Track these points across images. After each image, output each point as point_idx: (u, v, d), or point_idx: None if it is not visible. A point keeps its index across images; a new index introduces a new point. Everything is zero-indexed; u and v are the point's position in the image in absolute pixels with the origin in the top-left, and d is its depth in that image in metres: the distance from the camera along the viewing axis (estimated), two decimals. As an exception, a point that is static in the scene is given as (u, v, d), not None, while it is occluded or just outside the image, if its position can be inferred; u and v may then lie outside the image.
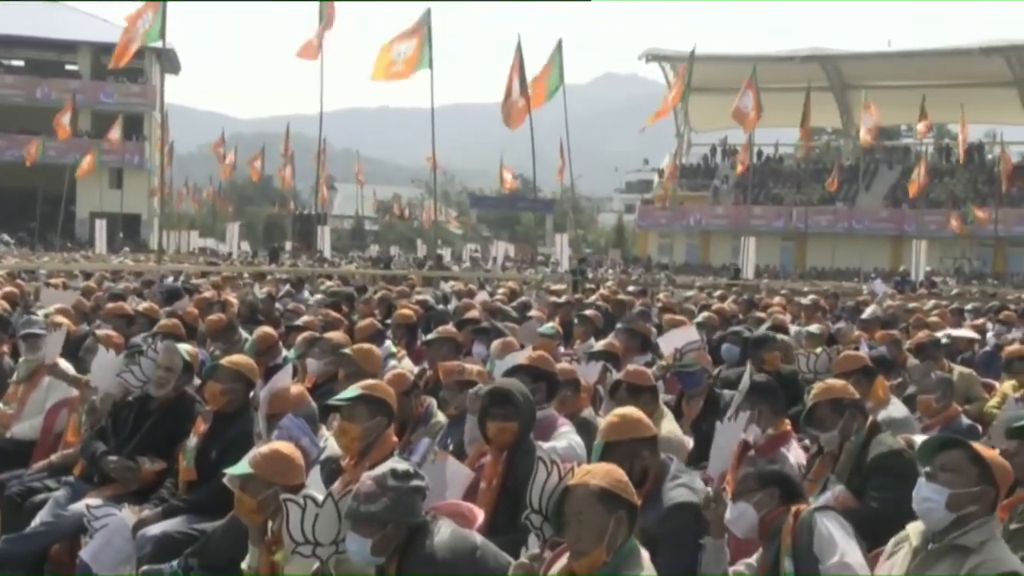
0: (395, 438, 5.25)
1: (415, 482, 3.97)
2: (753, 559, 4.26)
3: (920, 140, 49.74)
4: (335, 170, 73.99)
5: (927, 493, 3.65)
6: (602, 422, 4.79)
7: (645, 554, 3.63)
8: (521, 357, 6.56)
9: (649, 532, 4.13)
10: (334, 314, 10.43)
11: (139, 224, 60.93)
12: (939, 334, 10.38)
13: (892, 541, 3.87)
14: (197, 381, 6.52)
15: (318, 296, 14.13)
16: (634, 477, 4.09)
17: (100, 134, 53.10)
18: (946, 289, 29.04)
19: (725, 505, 4.22)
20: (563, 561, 3.67)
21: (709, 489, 4.32)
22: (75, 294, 11.97)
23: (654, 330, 10.21)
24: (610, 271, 39.00)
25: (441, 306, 13.12)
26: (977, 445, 3.74)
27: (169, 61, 55.37)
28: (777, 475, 4.25)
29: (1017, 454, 4.56)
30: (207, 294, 12.77)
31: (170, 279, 18.55)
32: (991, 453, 3.73)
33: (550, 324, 10.19)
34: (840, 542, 3.95)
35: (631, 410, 4.77)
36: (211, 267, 26.48)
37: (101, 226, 41.24)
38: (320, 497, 4.02)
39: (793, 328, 11.21)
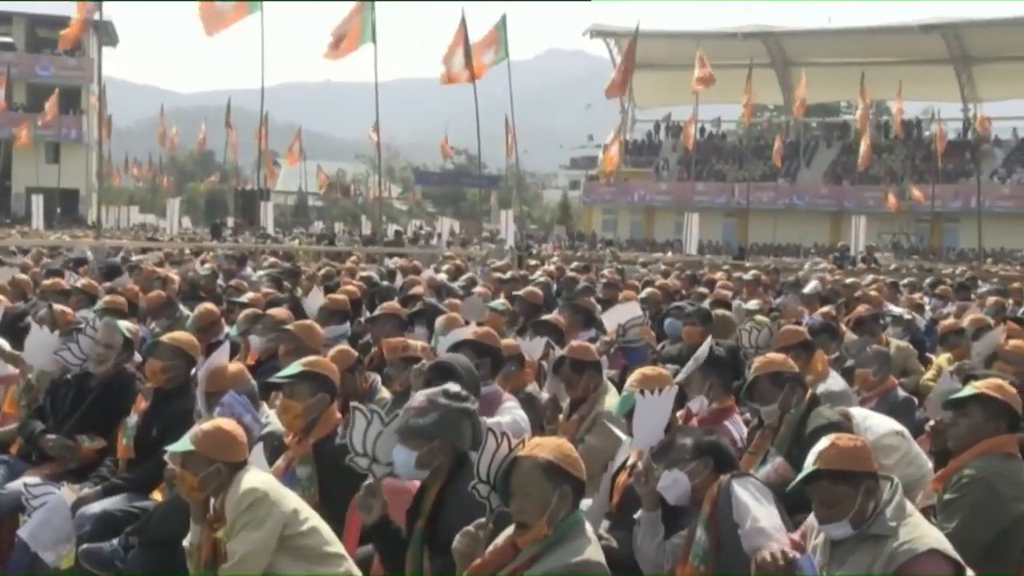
0: (339, 414, 5.23)
1: (465, 404, 4.12)
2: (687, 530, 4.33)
3: (860, 118, 50.17)
4: (278, 145, 73.12)
5: (835, 532, 3.67)
6: (635, 373, 5.12)
7: (589, 527, 3.67)
8: (466, 333, 6.56)
9: None
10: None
11: (77, 200, 59.81)
12: (904, 313, 10.55)
13: (811, 525, 3.87)
14: (138, 358, 6.45)
15: (261, 272, 14.00)
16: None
17: (36, 108, 52.01)
18: (885, 264, 29.47)
19: (657, 480, 4.28)
20: (509, 531, 3.69)
21: (639, 463, 4.36)
22: (11, 270, 11.76)
23: (598, 306, 10.26)
24: (547, 248, 39.00)
25: (386, 282, 13.06)
26: (824, 460, 3.65)
27: (106, 34, 54.27)
28: (712, 445, 4.32)
29: (954, 425, 4.65)
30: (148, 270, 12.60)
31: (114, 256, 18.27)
32: (839, 454, 3.65)
33: (500, 300, 10.21)
34: (753, 508, 4.02)
35: (656, 367, 5.21)
36: (151, 243, 26.12)
37: (38, 201, 40.41)
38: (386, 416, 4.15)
39: (735, 303, 11.31)
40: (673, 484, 4.23)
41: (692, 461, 4.24)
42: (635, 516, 4.37)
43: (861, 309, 9.76)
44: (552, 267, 17.27)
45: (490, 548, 3.70)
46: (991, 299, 12.26)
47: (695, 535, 4.13)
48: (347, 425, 4.22)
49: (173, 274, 12.43)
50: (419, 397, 4.14)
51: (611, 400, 5.87)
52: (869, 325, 9.08)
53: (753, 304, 10.79)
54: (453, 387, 4.27)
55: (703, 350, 5.87)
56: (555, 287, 13.09)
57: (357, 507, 4.24)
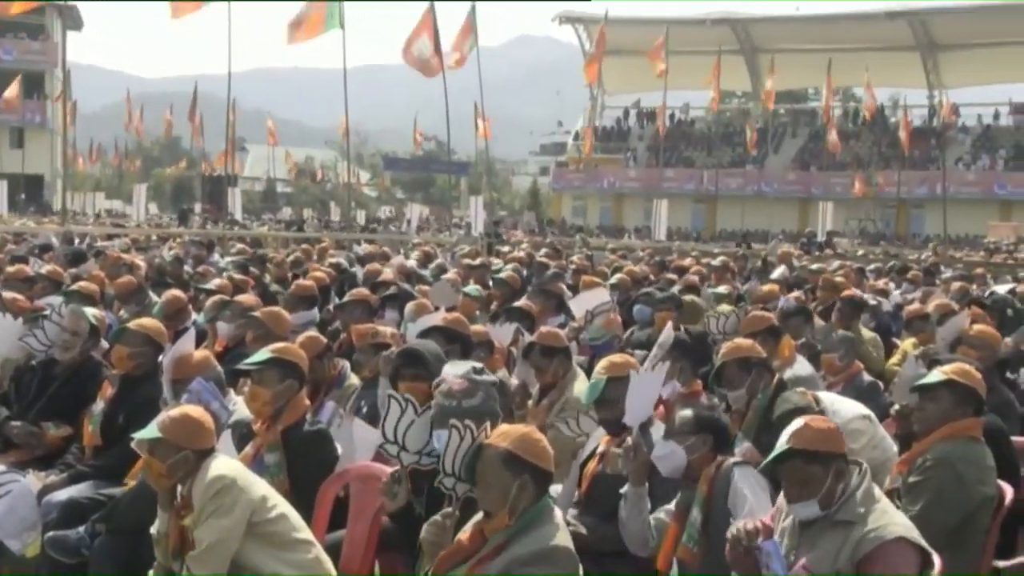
0: (307, 401, 5.21)
1: (491, 377, 4.20)
2: (672, 504, 4.33)
3: (826, 105, 50.55)
4: (246, 131, 72.69)
5: (804, 512, 3.68)
6: (603, 360, 5.07)
7: (558, 514, 3.66)
8: (435, 319, 6.56)
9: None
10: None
11: (42, 185, 59.10)
12: (868, 299, 10.61)
13: (779, 507, 3.88)
14: (105, 345, 6.40)
15: (229, 259, 13.92)
16: None
17: (-2, 92, 51.35)
18: (851, 250, 29.68)
19: (646, 455, 4.28)
20: (478, 517, 3.70)
21: (629, 439, 4.35)
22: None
23: (568, 292, 10.27)
24: (520, 233, 39.02)
25: (355, 268, 13.03)
26: (798, 440, 3.64)
27: (71, 17, 53.69)
28: (714, 423, 4.30)
29: (921, 409, 4.69)
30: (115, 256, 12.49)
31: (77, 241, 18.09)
32: (813, 435, 3.65)
33: (475, 286, 10.22)
34: (751, 498, 4.03)
35: (623, 354, 5.19)
36: (118, 229, 25.91)
37: (1, 187, 39.97)
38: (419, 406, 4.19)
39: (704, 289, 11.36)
40: (669, 455, 4.21)
41: (691, 436, 4.23)
42: (621, 491, 4.34)
43: (848, 293, 9.80)
44: (522, 253, 17.27)
45: (459, 535, 3.70)
46: (956, 284, 12.36)
47: (690, 515, 4.12)
48: (383, 414, 4.24)
49: (139, 260, 12.34)
50: (456, 380, 4.14)
51: (580, 386, 5.89)
52: (848, 309, 9.03)
53: (723, 289, 10.84)
54: (476, 364, 4.32)
55: (667, 335, 5.89)
56: (525, 273, 13.08)
57: (324, 492, 4.22)
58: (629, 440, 4.37)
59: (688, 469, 4.22)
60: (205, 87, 49.32)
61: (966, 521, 4.44)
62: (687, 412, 4.35)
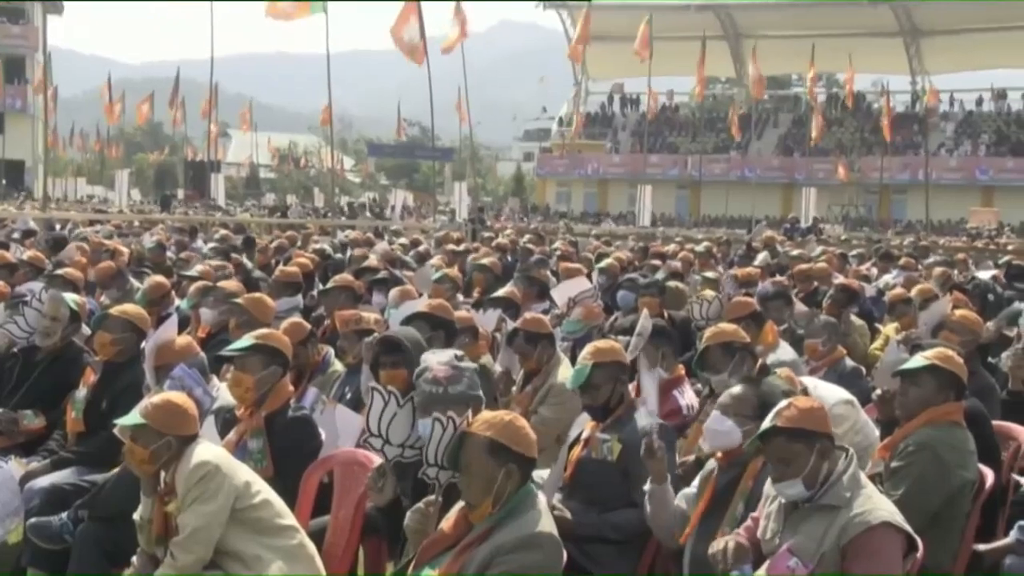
0: (291, 387, 5.20)
1: (472, 364, 4.21)
2: (693, 486, 4.31)
3: (810, 90, 50.66)
4: (229, 116, 72.43)
5: (788, 491, 3.67)
6: (588, 346, 5.03)
7: (541, 499, 3.66)
8: (419, 305, 6.55)
9: (628, 444, 4.50)
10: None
11: (23, 171, 58.72)
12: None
13: (766, 493, 3.89)
14: (87, 331, 6.37)
15: (212, 244, 13.87)
16: (613, 397, 4.72)
17: (-22, 77, 50.99)
18: (834, 235, 29.79)
19: (664, 456, 4.21)
20: (462, 503, 3.69)
21: (654, 435, 4.27)
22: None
23: (552, 278, 10.27)
24: (504, 219, 38.97)
25: (339, 255, 13.00)
26: (782, 419, 3.66)
27: (51, 2, 53.22)
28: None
29: (903, 394, 4.71)
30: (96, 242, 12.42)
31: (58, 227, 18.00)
32: (797, 414, 3.66)
33: (442, 271, 10.22)
34: None
35: (607, 340, 5.18)
36: (100, 215, 25.79)
37: (-19, 173, 39.75)
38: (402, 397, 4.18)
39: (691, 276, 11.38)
40: (725, 433, 4.12)
41: (752, 421, 4.09)
42: (644, 488, 4.30)
43: (845, 281, 9.80)
44: (506, 240, 17.26)
45: (443, 522, 3.70)
46: (938, 270, 12.40)
47: (735, 506, 4.07)
48: (369, 404, 4.23)
49: (121, 246, 12.28)
50: (440, 367, 4.12)
51: (564, 372, 5.89)
52: (842, 297, 8.99)
53: (711, 273, 10.87)
54: (457, 352, 4.35)
55: (645, 323, 5.90)
56: (508, 259, 13.09)
57: (308, 477, 4.20)
58: (654, 437, 4.27)
59: (735, 451, 4.14)
60: (188, 72, 49.05)
61: (947, 505, 4.46)
62: (748, 392, 4.22)
